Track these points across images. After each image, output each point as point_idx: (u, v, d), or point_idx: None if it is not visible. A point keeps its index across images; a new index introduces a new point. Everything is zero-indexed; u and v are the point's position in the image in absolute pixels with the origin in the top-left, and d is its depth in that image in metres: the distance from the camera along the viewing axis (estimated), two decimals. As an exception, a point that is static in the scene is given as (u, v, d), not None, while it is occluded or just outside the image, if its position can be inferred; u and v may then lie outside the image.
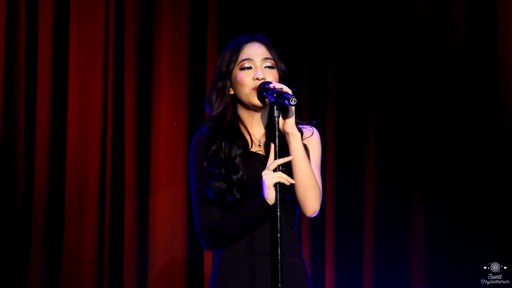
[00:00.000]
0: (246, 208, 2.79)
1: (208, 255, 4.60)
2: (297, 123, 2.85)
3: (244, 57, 2.90)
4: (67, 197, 4.58)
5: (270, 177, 2.71)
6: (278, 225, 2.67)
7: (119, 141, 4.65)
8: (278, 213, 2.69)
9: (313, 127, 2.99)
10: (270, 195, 2.72)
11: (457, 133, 4.68)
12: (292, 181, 2.74)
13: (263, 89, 2.82)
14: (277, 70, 2.93)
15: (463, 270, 4.60)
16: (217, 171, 2.83)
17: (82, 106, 4.63)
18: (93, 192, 4.60)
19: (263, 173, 2.73)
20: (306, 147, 2.89)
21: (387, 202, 4.71)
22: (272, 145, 2.75)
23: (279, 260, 2.64)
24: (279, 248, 2.65)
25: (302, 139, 2.84)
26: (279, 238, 2.66)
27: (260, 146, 2.93)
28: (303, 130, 2.95)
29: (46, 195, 4.56)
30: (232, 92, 2.93)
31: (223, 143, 2.86)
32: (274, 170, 2.73)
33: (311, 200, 2.83)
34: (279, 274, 2.63)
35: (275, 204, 2.71)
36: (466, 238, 4.62)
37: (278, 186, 2.71)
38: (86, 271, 4.57)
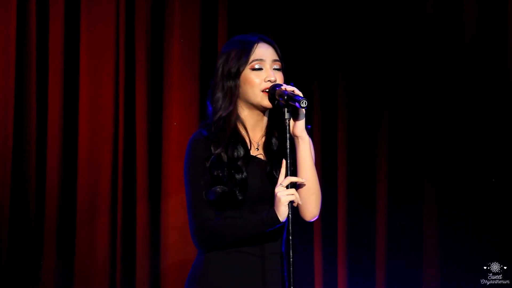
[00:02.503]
0: (253, 219, 2.77)
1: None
2: None
3: (256, 58, 2.88)
4: (79, 200, 4.60)
5: (286, 194, 2.71)
6: (290, 228, 2.69)
7: (130, 145, 4.67)
8: (290, 216, 2.70)
9: None
10: (283, 212, 2.72)
11: (470, 135, 4.68)
12: (300, 202, 2.75)
13: (274, 91, 2.82)
14: (282, 71, 2.94)
15: (476, 271, 4.59)
16: (220, 173, 2.82)
17: (93, 110, 4.64)
18: (105, 196, 4.62)
19: (277, 189, 2.73)
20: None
21: (400, 202, 4.71)
22: (284, 161, 2.74)
23: (291, 263, 2.66)
24: (290, 251, 2.67)
25: None
26: (290, 240, 2.67)
27: (258, 149, 2.93)
28: None
29: (58, 199, 4.57)
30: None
31: (227, 145, 2.86)
32: (287, 187, 2.74)
33: (312, 204, 2.84)
34: (291, 275, 2.65)
35: (285, 221, 2.72)
36: (479, 239, 4.61)
37: (292, 204, 2.72)
38: (99, 274, 4.58)
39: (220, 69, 2.91)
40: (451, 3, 4.73)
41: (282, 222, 2.73)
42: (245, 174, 2.81)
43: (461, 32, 4.70)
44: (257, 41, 2.92)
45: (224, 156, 2.83)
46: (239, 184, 2.81)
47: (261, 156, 2.91)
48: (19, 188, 4.54)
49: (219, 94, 2.90)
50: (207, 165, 2.83)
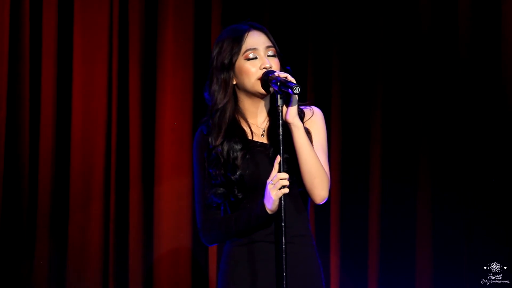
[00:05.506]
0: (246, 213, 2.82)
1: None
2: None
3: (248, 48, 2.89)
4: (72, 187, 4.60)
5: (275, 192, 2.71)
6: (283, 215, 2.68)
7: (123, 131, 4.67)
8: (283, 204, 2.70)
9: (312, 107, 2.97)
10: (274, 208, 2.74)
11: (465, 128, 4.67)
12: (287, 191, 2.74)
13: (267, 78, 2.82)
14: (278, 57, 2.94)
15: (470, 263, 4.61)
16: (217, 172, 2.86)
17: (86, 97, 4.64)
18: (98, 182, 4.62)
19: (269, 187, 2.73)
20: (308, 131, 2.89)
21: (393, 190, 4.71)
22: (278, 158, 2.74)
23: (284, 249, 2.65)
24: (283, 238, 2.66)
25: (303, 122, 2.85)
26: (283, 227, 2.66)
27: (263, 135, 2.94)
28: (304, 111, 2.95)
29: (51, 186, 4.57)
30: (235, 82, 2.93)
31: (224, 141, 2.88)
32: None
33: (318, 187, 2.83)
34: (284, 263, 2.64)
35: (277, 212, 2.74)
36: (472, 234, 4.62)
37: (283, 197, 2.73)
38: (92, 261, 4.59)
39: (214, 62, 2.93)
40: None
41: (273, 214, 2.75)
42: (239, 173, 2.84)
43: (455, 22, 4.70)
44: (248, 30, 2.93)
45: (221, 153, 2.86)
46: (236, 184, 2.84)
47: (266, 141, 2.92)
48: (12, 174, 4.53)
49: (215, 87, 2.92)
50: (206, 165, 2.89)
